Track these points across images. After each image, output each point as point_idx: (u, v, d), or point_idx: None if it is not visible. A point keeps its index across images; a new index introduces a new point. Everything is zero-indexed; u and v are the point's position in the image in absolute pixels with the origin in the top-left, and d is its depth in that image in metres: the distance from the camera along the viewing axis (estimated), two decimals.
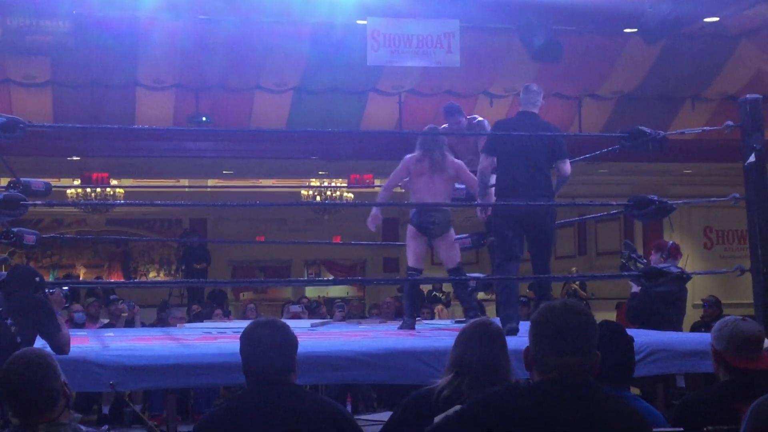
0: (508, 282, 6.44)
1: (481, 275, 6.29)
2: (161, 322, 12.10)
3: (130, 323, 11.00)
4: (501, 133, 6.55)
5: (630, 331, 3.99)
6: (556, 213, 6.77)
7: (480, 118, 8.00)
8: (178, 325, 9.93)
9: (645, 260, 7.51)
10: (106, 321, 11.44)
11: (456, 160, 7.33)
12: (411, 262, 7.36)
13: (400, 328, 7.44)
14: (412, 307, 7.42)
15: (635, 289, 7.67)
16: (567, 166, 6.49)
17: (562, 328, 2.69)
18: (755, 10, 12.05)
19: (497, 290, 6.64)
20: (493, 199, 6.70)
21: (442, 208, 7.17)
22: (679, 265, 7.10)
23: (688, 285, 6.67)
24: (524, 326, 6.40)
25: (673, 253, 7.70)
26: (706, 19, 12.33)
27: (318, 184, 18.00)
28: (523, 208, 6.27)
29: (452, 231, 7.36)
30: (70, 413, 3.07)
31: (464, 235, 7.90)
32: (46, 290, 5.42)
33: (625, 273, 7.36)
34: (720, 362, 3.74)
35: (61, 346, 4.91)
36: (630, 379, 3.92)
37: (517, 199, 6.30)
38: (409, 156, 7.33)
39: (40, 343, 4.86)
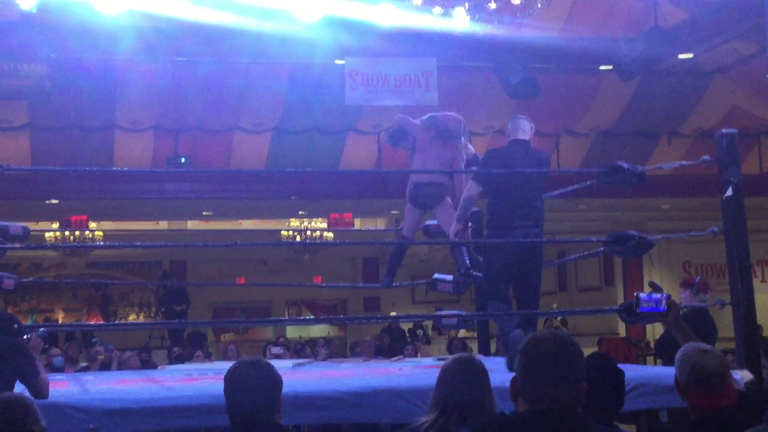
0: (503, 324, 6.38)
1: (462, 312, 6.25)
2: (143, 364, 11.93)
3: (106, 366, 10.83)
4: (489, 170, 6.58)
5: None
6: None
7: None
8: (159, 366, 9.83)
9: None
10: (84, 364, 11.29)
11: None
12: (405, 231, 7.86)
13: (381, 285, 8.17)
14: (393, 266, 7.95)
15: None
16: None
17: (551, 359, 2.69)
18: (729, 46, 12.21)
19: (502, 334, 6.54)
20: (469, 230, 6.88)
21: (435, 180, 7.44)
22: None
23: None
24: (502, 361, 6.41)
25: (703, 287, 7.69)
26: (681, 56, 12.47)
27: (298, 224, 17.98)
28: (517, 244, 6.25)
29: (448, 199, 7.51)
30: None
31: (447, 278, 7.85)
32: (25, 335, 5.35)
33: (606, 308, 7.35)
34: (684, 397, 3.60)
35: (40, 390, 4.84)
36: (617, 413, 3.88)
37: (513, 232, 6.26)
38: None
39: (19, 388, 4.80)
